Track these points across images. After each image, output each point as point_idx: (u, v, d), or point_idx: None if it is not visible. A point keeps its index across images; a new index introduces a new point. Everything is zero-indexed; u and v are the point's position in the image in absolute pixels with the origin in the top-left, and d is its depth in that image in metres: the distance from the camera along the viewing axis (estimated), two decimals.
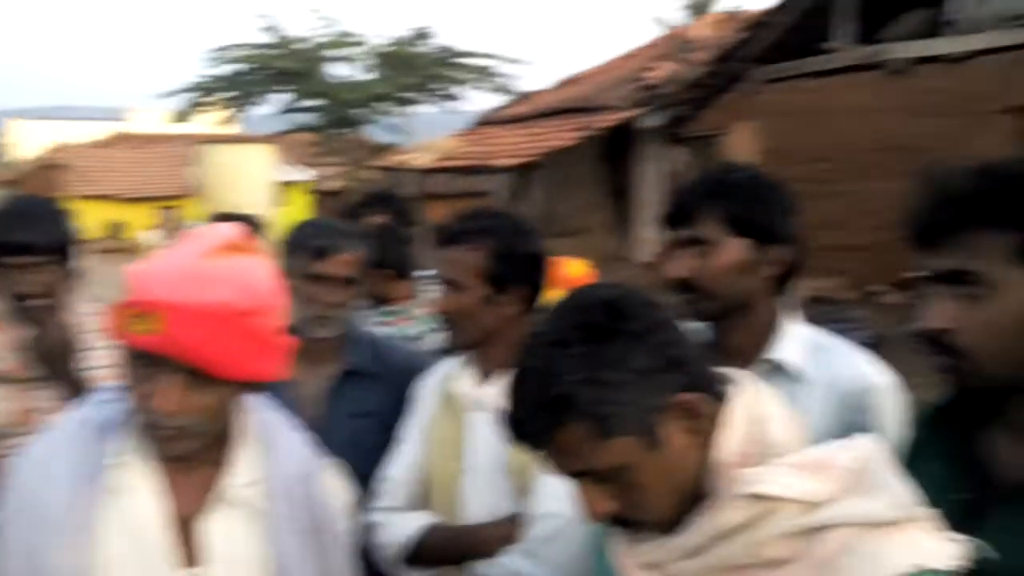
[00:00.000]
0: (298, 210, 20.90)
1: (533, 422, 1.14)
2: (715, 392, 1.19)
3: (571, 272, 4.48)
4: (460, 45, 23.78)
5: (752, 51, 11.99)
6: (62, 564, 1.42)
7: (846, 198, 10.71)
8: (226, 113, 23.88)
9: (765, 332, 1.87)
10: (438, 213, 12.14)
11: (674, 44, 15.23)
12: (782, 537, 1.12)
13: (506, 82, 22.28)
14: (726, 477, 1.15)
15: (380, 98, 22.46)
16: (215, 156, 12.04)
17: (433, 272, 2.29)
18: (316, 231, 2.44)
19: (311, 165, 28.52)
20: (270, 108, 23.64)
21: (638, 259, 13.90)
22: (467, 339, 2.04)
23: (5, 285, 2.30)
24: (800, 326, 1.91)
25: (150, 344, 1.37)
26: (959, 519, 1.21)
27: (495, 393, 1.83)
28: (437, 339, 2.87)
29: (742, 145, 11.54)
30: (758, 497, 1.12)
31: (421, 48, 22.81)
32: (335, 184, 24.68)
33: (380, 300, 3.30)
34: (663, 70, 13.71)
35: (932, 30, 10.14)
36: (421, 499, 2.09)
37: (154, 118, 35.11)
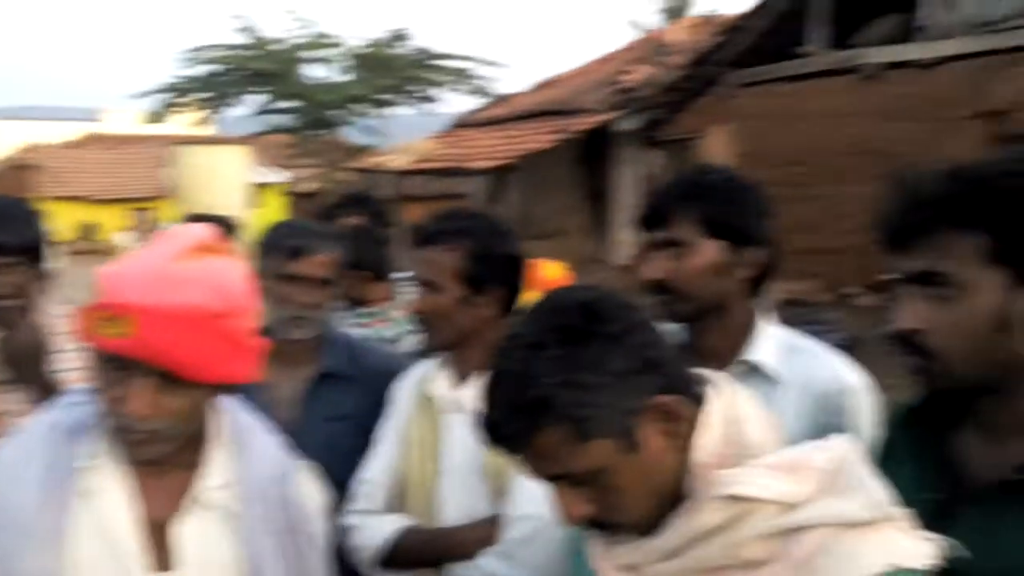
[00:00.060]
0: (273, 212, 20.79)
1: (510, 426, 1.13)
2: (692, 394, 1.19)
3: (548, 274, 4.49)
4: (437, 47, 23.73)
5: (727, 55, 12.07)
6: (33, 568, 1.41)
7: (820, 201, 10.79)
8: (201, 114, 23.71)
9: (740, 334, 1.88)
10: (415, 215, 12.12)
11: (650, 48, 15.30)
12: (759, 538, 1.12)
13: (483, 84, 22.29)
14: (703, 479, 1.15)
15: (356, 100, 22.39)
16: (190, 157, 11.95)
17: (411, 274, 2.29)
18: (291, 232, 2.43)
19: (286, 167, 28.39)
20: (245, 109, 23.51)
21: (615, 262, 13.95)
22: (443, 340, 2.04)
23: None
24: (775, 328, 1.92)
25: (121, 348, 1.35)
26: (931, 519, 1.22)
27: (472, 395, 1.83)
28: (414, 341, 2.86)
29: (718, 148, 11.62)
30: (735, 498, 1.12)
31: (398, 50, 22.76)
32: (310, 186, 24.58)
33: (357, 302, 3.28)
34: (639, 73, 13.77)
35: (904, 35, 10.25)
36: (398, 501, 2.08)
37: (128, 119, 34.81)
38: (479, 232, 2.01)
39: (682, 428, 1.16)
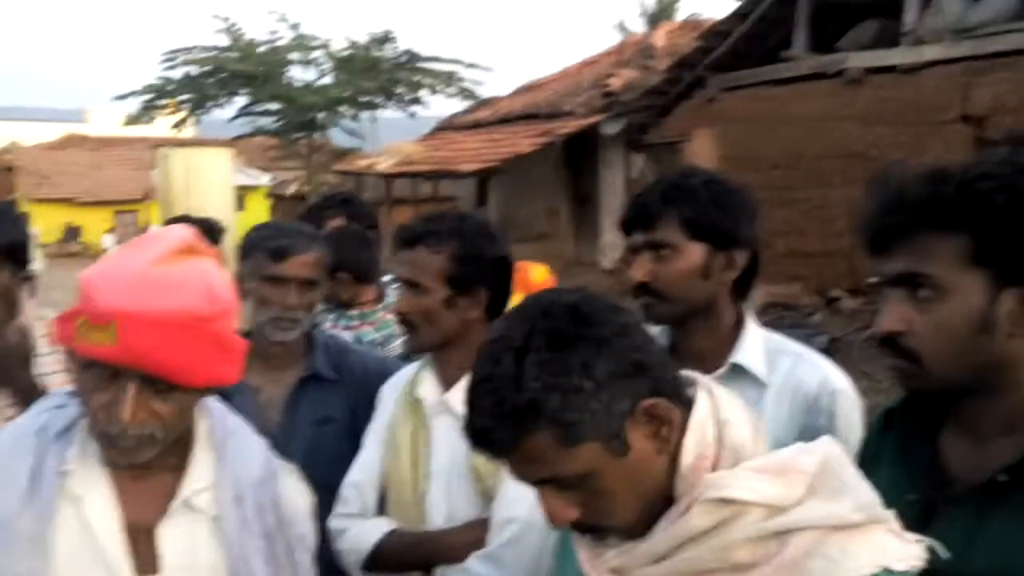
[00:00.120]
0: (257, 215, 20.72)
1: (497, 430, 1.12)
2: (680, 397, 1.19)
3: (533, 277, 4.50)
4: (422, 50, 23.70)
5: (711, 59, 12.12)
6: (17, 572, 1.40)
7: (804, 205, 10.86)
8: (184, 116, 23.60)
9: (726, 336, 1.89)
10: (402, 218, 12.10)
11: (634, 52, 15.35)
12: (748, 541, 1.12)
13: (468, 87, 22.28)
14: (692, 482, 1.15)
15: (340, 102, 22.33)
16: (173, 159, 11.89)
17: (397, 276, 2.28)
18: (273, 233, 2.40)
19: (270, 169, 28.29)
20: (229, 111, 23.41)
21: (600, 264, 13.98)
22: (427, 341, 2.03)
23: None
24: (760, 330, 1.93)
25: (109, 355, 1.33)
26: (914, 520, 1.23)
27: (459, 398, 1.83)
28: (401, 344, 2.86)
29: (702, 152, 11.66)
30: (724, 501, 1.12)
31: (383, 52, 22.73)
32: (294, 188, 24.51)
33: (343, 304, 3.28)
34: (623, 77, 13.81)
35: (887, 40, 10.32)
36: (385, 505, 2.08)
37: (113, 120, 34.63)
38: (465, 234, 2.01)
39: (670, 431, 1.15)
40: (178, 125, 23.75)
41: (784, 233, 10.85)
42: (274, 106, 22.74)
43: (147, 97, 22.84)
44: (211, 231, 3.56)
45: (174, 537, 1.48)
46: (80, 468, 1.47)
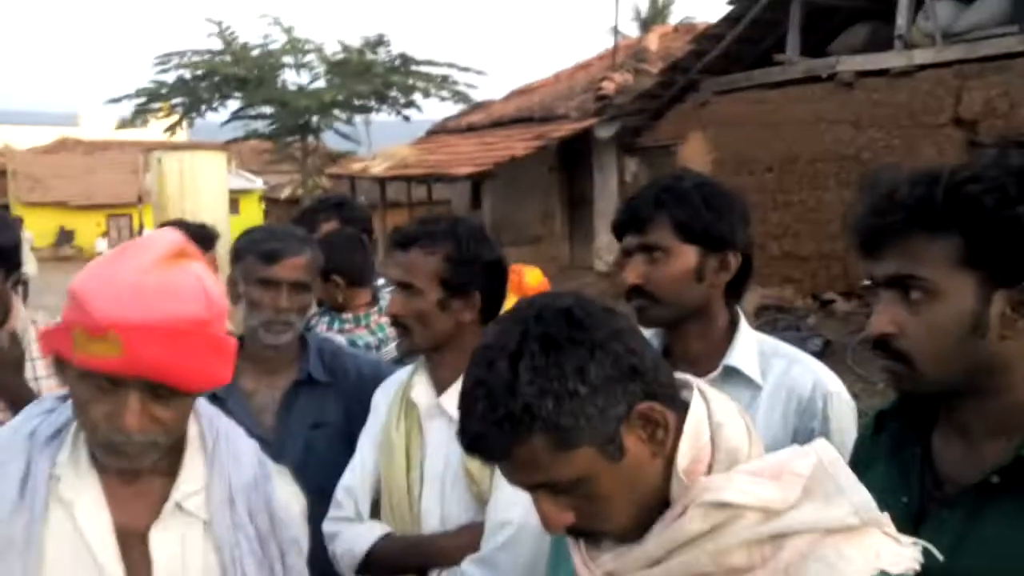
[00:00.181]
0: (251, 218, 20.69)
1: (491, 436, 1.11)
2: (674, 400, 1.18)
3: (528, 280, 4.51)
4: (416, 53, 23.66)
5: (704, 63, 12.14)
6: None
7: (797, 208, 10.89)
8: (177, 119, 23.56)
9: (719, 339, 1.89)
10: (396, 221, 12.09)
11: (627, 55, 15.37)
12: (744, 545, 1.11)
13: (462, 91, 22.28)
14: (687, 485, 1.14)
15: (334, 105, 22.32)
16: (167, 163, 11.85)
17: (391, 278, 2.28)
18: (265, 236, 2.40)
19: (264, 173, 28.25)
20: (222, 115, 23.38)
21: (595, 267, 13.99)
22: (420, 343, 2.03)
23: None
24: (753, 333, 1.93)
25: (113, 367, 1.33)
26: (907, 522, 1.23)
27: (453, 401, 1.83)
28: (395, 347, 2.85)
29: (695, 155, 11.68)
30: (719, 505, 1.11)
31: (376, 56, 22.72)
32: (288, 192, 24.48)
33: (337, 308, 3.27)
34: (616, 81, 13.83)
35: (880, 44, 10.36)
36: (379, 508, 2.07)
37: (105, 124, 34.56)
38: (459, 236, 2.01)
39: (666, 435, 1.15)
40: (171, 129, 23.70)
41: (778, 236, 10.88)
42: (267, 110, 22.71)
43: (140, 101, 22.79)
44: (205, 237, 3.55)
45: (166, 541, 1.48)
46: (71, 472, 1.46)
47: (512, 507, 1.83)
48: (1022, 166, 1.26)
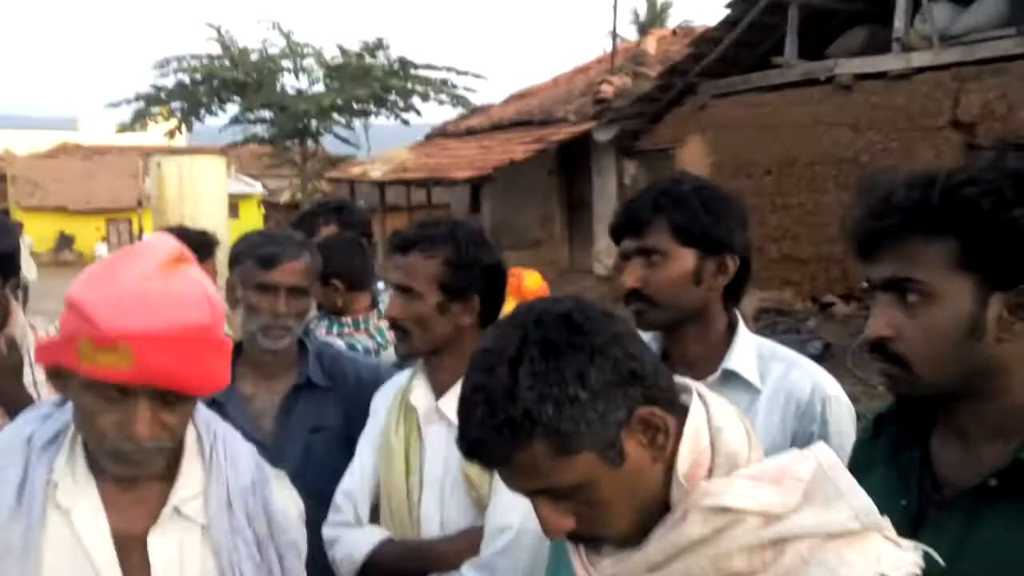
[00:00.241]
0: (251, 222, 20.68)
1: (491, 442, 1.10)
2: (674, 405, 1.18)
3: (527, 283, 4.51)
4: (415, 57, 23.66)
5: (702, 66, 12.15)
6: None
7: (796, 211, 10.90)
8: (176, 124, 23.57)
9: (718, 342, 1.89)
10: (396, 225, 12.10)
11: (626, 59, 15.39)
12: (744, 549, 1.11)
13: (462, 95, 22.30)
14: (687, 490, 1.14)
15: (334, 109, 22.32)
16: (167, 167, 11.85)
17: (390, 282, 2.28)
18: (262, 240, 2.40)
19: (263, 177, 28.24)
20: (221, 119, 23.39)
21: (594, 271, 13.99)
22: (419, 347, 2.03)
23: None
24: (752, 336, 1.93)
25: (125, 377, 1.33)
26: (905, 525, 1.23)
27: (452, 405, 1.83)
28: (394, 352, 2.85)
29: (693, 158, 11.69)
30: (720, 509, 1.11)
31: (376, 60, 22.74)
32: (288, 196, 24.49)
33: (337, 312, 3.27)
34: (615, 84, 13.84)
35: (878, 47, 10.37)
36: (378, 513, 2.07)
37: (105, 128, 34.57)
38: (458, 240, 2.01)
39: (666, 440, 1.14)
40: (171, 133, 23.71)
41: (777, 239, 10.88)
42: (266, 114, 22.72)
43: (139, 105, 22.80)
44: (206, 244, 3.55)
45: (164, 545, 1.48)
46: (68, 478, 1.46)
47: (511, 512, 1.83)
48: (1018, 169, 1.26)
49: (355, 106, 22.60)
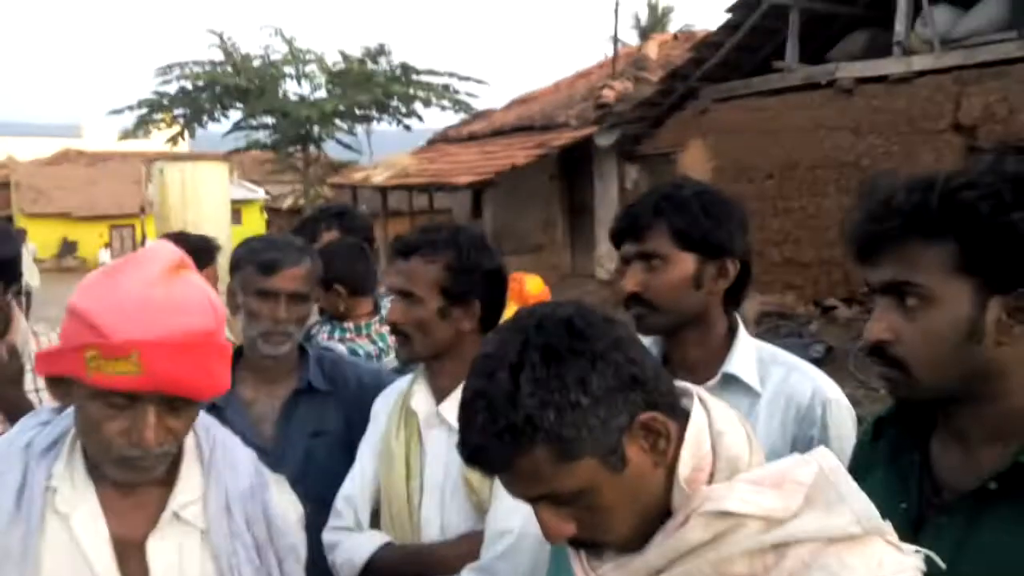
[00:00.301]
0: (253, 228, 20.70)
1: (492, 448, 1.10)
2: (675, 409, 1.17)
3: (528, 288, 4.51)
4: (417, 63, 23.74)
5: (703, 70, 12.16)
6: None
7: (797, 214, 10.89)
8: (179, 130, 23.62)
9: (718, 346, 1.89)
10: (398, 230, 12.11)
11: (627, 63, 15.40)
12: (746, 554, 1.10)
13: (463, 100, 22.34)
14: (688, 494, 1.13)
15: (336, 115, 22.37)
16: (169, 173, 11.88)
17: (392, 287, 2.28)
18: (263, 246, 2.39)
19: (266, 183, 28.26)
20: (224, 125, 23.45)
21: (596, 275, 13.99)
22: (420, 352, 2.04)
23: None
24: (752, 340, 1.93)
25: (130, 385, 1.34)
26: (905, 529, 1.23)
27: (452, 410, 1.83)
28: (395, 357, 2.85)
29: (695, 163, 11.69)
30: (721, 514, 1.11)
31: (378, 65, 22.79)
32: (290, 202, 24.52)
33: (339, 317, 3.28)
34: (616, 89, 13.85)
35: (878, 50, 10.37)
36: (378, 518, 2.07)
37: (108, 135, 34.63)
38: (460, 245, 2.01)
39: (667, 445, 1.14)
40: (173, 139, 23.76)
41: (778, 243, 10.88)
42: (269, 120, 22.78)
43: (142, 112, 22.88)
44: (207, 250, 3.56)
45: (163, 550, 1.48)
46: (67, 484, 1.47)
47: (512, 516, 1.83)
48: (1017, 172, 1.26)
49: (357, 112, 22.66)
